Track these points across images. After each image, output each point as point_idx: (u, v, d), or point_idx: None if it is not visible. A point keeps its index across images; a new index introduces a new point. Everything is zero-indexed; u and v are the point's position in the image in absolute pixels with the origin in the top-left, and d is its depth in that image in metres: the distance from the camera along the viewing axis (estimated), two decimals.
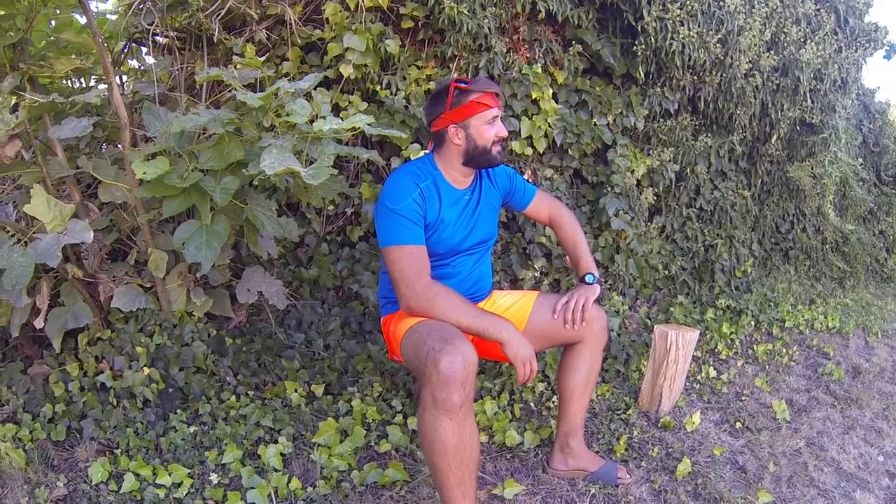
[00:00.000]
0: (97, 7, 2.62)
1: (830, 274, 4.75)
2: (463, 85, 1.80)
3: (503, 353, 1.71)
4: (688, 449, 2.29)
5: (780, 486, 2.11)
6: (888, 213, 5.41)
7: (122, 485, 1.85)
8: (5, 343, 2.36)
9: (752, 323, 3.61)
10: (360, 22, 2.83)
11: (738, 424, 2.50)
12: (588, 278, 2.01)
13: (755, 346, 3.32)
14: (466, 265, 1.96)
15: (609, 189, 3.23)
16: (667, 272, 3.58)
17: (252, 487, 1.87)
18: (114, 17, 2.68)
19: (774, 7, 3.32)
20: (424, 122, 1.89)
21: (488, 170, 2.00)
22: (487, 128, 1.82)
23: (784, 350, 3.33)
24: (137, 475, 1.89)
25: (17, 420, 2.09)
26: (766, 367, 3.14)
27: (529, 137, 3.11)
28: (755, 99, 3.50)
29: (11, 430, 2.01)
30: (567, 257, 2.23)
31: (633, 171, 3.26)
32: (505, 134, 1.86)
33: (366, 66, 2.88)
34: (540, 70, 3.05)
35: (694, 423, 2.42)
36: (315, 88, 2.31)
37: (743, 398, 2.75)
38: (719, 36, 3.16)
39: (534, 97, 3.07)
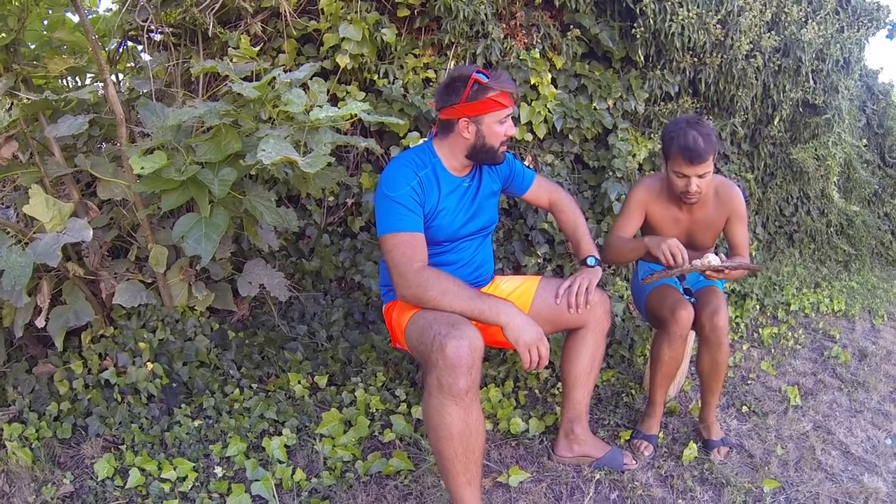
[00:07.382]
0: (91, 9, 2.59)
1: (835, 257, 4.72)
2: (483, 80, 1.73)
3: (504, 338, 1.66)
4: (694, 434, 2.28)
5: (787, 470, 2.10)
6: (893, 195, 5.36)
7: (128, 480, 1.86)
8: (10, 343, 2.37)
9: (758, 307, 3.59)
10: (356, 11, 2.80)
11: (745, 408, 2.49)
12: (589, 261, 1.99)
13: (760, 330, 3.30)
14: (468, 251, 1.95)
15: (611, 173, 3.20)
16: None
17: (256, 479, 1.88)
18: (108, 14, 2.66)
19: None
20: (434, 107, 1.86)
21: None
22: (499, 126, 1.79)
23: (790, 333, 3.31)
24: (143, 470, 1.90)
25: (23, 419, 2.10)
26: (772, 350, 3.12)
27: (529, 123, 3.09)
28: (756, 80, 3.46)
29: (18, 429, 2.02)
30: (569, 242, 2.21)
31: (634, 155, 3.23)
32: (513, 132, 1.84)
33: (362, 55, 2.86)
34: (538, 55, 3.02)
35: (700, 407, 2.40)
36: (311, 78, 2.29)
37: (749, 382, 2.74)
38: (719, 17, 3.12)
39: (532, 83, 3.04)
